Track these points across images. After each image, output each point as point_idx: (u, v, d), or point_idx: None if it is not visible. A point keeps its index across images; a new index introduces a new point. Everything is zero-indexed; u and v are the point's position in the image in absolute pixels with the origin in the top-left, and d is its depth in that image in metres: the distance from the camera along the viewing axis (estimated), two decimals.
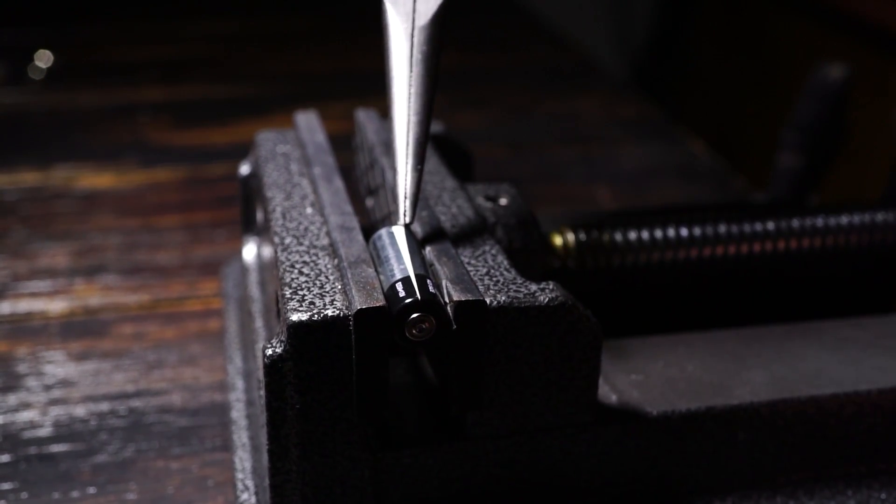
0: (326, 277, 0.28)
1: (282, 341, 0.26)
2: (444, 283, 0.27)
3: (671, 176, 0.65)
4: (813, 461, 0.33)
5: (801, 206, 0.49)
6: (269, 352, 0.26)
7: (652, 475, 0.32)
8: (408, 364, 0.34)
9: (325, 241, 0.30)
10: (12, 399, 0.40)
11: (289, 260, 0.29)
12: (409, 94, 0.29)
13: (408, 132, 0.29)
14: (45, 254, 0.52)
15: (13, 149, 0.66)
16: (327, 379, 0.27)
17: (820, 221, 0.39)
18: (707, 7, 1.46)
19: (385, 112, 0.33)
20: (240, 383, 0.38)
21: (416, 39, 0.30)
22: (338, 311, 0.26)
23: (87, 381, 0.42)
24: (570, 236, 0.36)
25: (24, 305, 0.47)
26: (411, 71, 0.30)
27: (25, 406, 0.40)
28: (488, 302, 0.27)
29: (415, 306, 0.26)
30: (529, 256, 0.33)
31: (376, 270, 0.28)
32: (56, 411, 0.40)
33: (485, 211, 0.33)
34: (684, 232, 0.37)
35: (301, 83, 0.81)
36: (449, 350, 0.27)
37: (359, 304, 0.26)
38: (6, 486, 0.35)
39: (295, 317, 0.26)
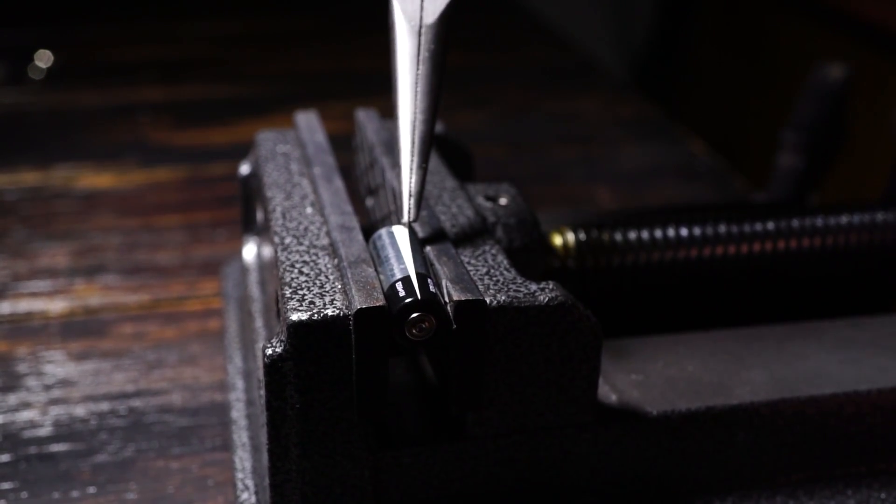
0: (326, 277, 0.28)
1: (282, 341, 0.26)
2: (444, 282, 0.27)
3: (671, 176, 0.66)
4: (813, 461, 0.33)
5: (801, 206, 0.49)
6: (269, 351, 0.26)
7: (652, 475, 0.32)
8: (408, 364, 0.34)
9: (325, 241, 0.30)
10: (12, 399, 0.40)
11: (289, 259, 0.29)
12: (416, 92, 0.29)
13: (413, 130, 0.29)
14: (45, 254, 0.52)
15: (13, 149, 0.66)
16: (327, 378, 0.27)
17: (820, 221, 0.39)
18: (707, 7, 1.46)
19: (385, 112, 0.33)
20: (240, 383, 0.38)
21: (423, 38, 0.30)
22: (338, 311, 0.26)
23: (87, 381, 0.42)
24: (570, 236, 0.36)
25: (24, 305, 0.47)
26: (418, 69, 0.30)
27: (25, 406, 0.40)
28: (488, 302, 0.27)
29: (415, 306, 0.26)
30: (529, 256, 0.33)
31: (376, 270, 0.28)
32: (56, 411, 0.40)
33: (485, 211, 0.33)
34: (684, 232, 0.37)
35: (301, 83, 0.81)
36: (449, 350, 0.27)
37: (359, 303, 0.26)
38: (6, 485, 0.35)
39: (295, 316, 0.26)
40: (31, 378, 0.42)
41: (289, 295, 0.27)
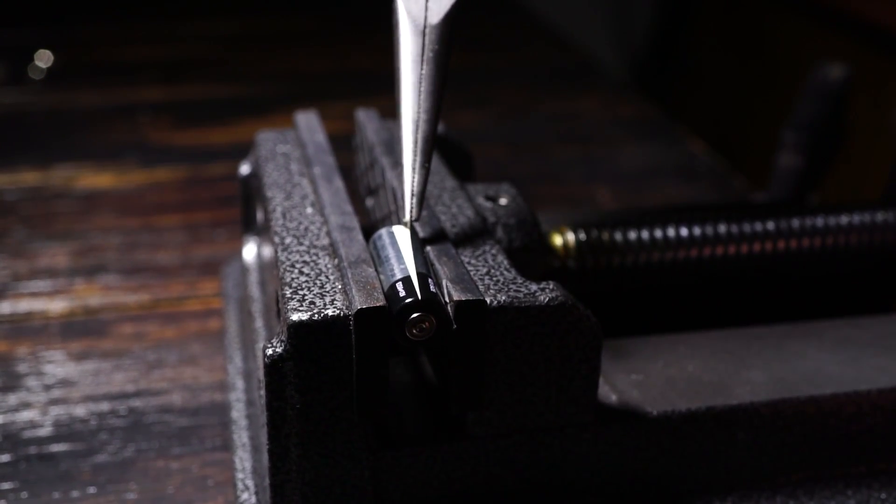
0: (327, 277, 0.28)
1: (282, 341, 0.26)
2: (444, 282, 0.27)
3: (671, 176, 0.66)
4: (812, 461, 0.33)
5: (801, 206, 0.49)
6: (270, 351, 0.26)
7: (652, 475, 0.32)
8: (408, 363, 0.34)
9: (326, 241, 0.30)
10: (12, 399, 0.40)
11: (289, 260, 0.29)
12: (420, 91, 0.29)
13: (416, 130, 0.29)
14: (45, 254, 0.52)
15: (13, 149, 0.66)
16: (327, 379, 0.27)
17: (820, 221, 0.39)
18: (707, 7, 1.46)
19: (385, 112, 0.33)
20: (240, 383, 0.38)
21: (427, 38, 0.30)
22: (338, 311, 0.26)
23: (87, 381, 0.42)
24: (570, 236, 0.36)
25: (24, 305, 0.47)
26: (422, 69, 0.30)
27: (25, 406, 0.40)
28: (488, 302, 0.27)
29: (415, 306, 0.26)
30: (529, 256, 0.33)
31: (376, 270, 0.28)
32: (56, 411, 0.40)
33: (485, 211, 0.33)
34: (684, 232, 0.37)
35: (301, 83, 0.81)
36: (449, 350, 0.27)
37: (359, 303, 0.26)
38: (6, 485, 0.35)
39: (295, 316, 0.26)
40: (31, 378, 0.42)
41: (289, 295, 0.27)
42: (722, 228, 0.38)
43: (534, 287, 0.28)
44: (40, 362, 0.43)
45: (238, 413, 0.37)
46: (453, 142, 0.40)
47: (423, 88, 0.29)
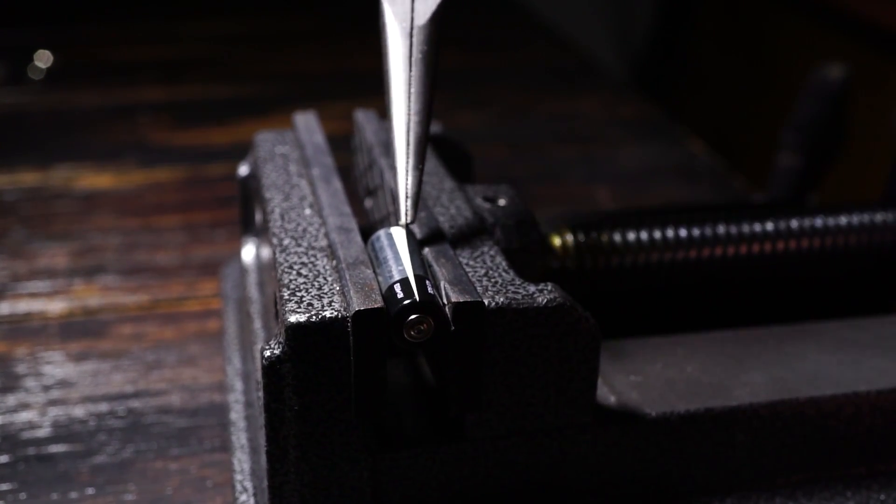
0: (325, 279, 0.28)
1: (280, 342, 0.26)
2: (442, 284, 0.27)
3: (671, 176, 0.65)
4: (812, 462, 0.33)
5: (801, 206, 0.49)
6: (268, 353, 0.26)
7: (651, 476, 0.32)
8: (406, 365, 0.34)
9: (324, 243, 0.30)
10: (11, 399, 0.40)
11: (287, 261, 0.29)
12: (409, 93, 0.29)
13: (408, 132, 0.29)
14: (45, 254, 0.52)
15: (13, 149, 0.66)
16: (325, 380, 0.27)
17: (819, 221, 0.39)
18: (707, 8, 1.46)
19: (383, 113, 0.33)
20: (238, 384, 0.38)
21: (414, 39, 0.30)
22: (336, 313, 0.26)
23: (86, 382, 0.42)
24: (570, 237, 0.36)
25: (23, 306, 0.47)
26: (410, 71, 0.30)
27: (24, 406, 0.40)
28: (486, 303, 0.27)
29: (413, 307, 0.26)
30: (528, 257, 0.33)
31: (374, 272, 0.28)
32: (55, 412, 0.40)
33: (483, 212, 0.33)
34: (684, 232, 0.37)
35: (301, 83, 0.81)
36: (447, 351, 0.27)
37: (357, 305, 0.26)
38: (5, 486, 0.35)
39: (293, 318, 0.26)
40: (29, 379, 0.42)
41: (287, 296, 0.27)
42: (721, 229, 0.38)
43: (532, 288, 0.28)
44: (39, 363, 0.43)
45: (237, 414, 0.37)
46: (452, 142, 0.40)
47: (413, 90, 0.29)
